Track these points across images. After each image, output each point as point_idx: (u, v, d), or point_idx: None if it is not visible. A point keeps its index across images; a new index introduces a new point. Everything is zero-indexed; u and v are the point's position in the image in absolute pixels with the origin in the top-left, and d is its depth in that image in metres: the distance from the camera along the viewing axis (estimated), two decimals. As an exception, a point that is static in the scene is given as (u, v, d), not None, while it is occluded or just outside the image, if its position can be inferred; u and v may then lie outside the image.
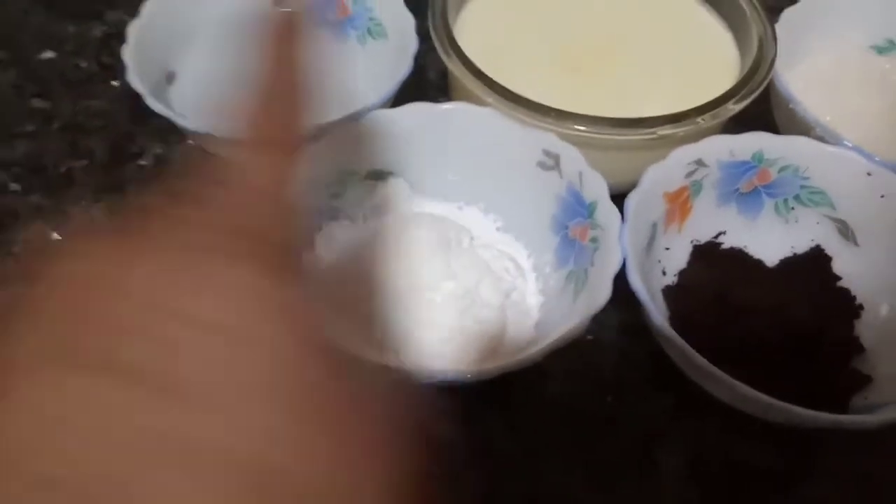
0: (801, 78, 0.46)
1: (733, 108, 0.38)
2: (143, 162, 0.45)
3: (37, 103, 0.48)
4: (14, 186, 0.44)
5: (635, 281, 0.33)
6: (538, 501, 0.34)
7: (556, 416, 0.36)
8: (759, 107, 0.42)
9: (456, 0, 0.44)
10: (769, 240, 0.40)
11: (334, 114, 0.38)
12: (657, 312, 0.32)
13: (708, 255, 0.40)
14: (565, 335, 0.31)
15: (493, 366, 0.30)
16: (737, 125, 0.41)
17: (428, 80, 0.50)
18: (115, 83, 0.49)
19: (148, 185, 0.44)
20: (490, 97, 0.38)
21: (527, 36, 0.45)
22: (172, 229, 0.17)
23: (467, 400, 0.37)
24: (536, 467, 0.35)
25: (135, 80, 0.40)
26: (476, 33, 0.44)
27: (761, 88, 0.39)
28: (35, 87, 0.49)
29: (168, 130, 0.46)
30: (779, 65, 0.42)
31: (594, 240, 0.36)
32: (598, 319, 0.39)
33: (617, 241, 0.34)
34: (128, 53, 0.41)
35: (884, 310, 0.37)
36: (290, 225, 0.19)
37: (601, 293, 0.32)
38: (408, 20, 0.44)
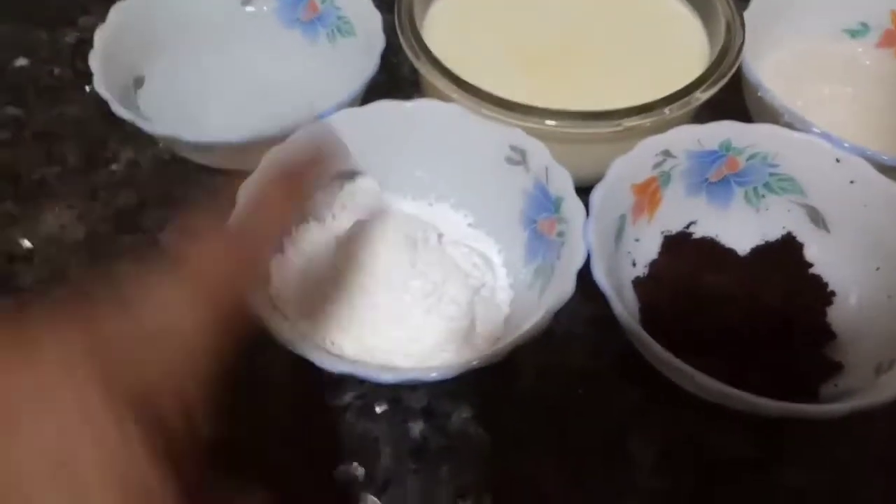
0: (771, 66, 0.46)
1: (700, 96, 0.38)
2: (114, 167, 0.45)
3: (10, 111, 0.48)
4: (-14, 195, 0.44)
5: (599, 275, 0.33)
6: (511, 494, 0.34)
7: (527, 409, 0.36)
8: (730, 96, 0.42)
9: (423, -2, 0.44)
10: (740, 229, 0.40)
11: (303, 113, 0.38)
12: (622, 306, 0.32)
13: (678, 245, 0.40)
14: (528, 331, 0.31)
15: (455, 364, 0.30)
16: (709, 115, 0.40)
17: (402, 77, 0.50)
18: (88, 89, 0.49)
19: (120, 190, 0.44)
20: (456, 94, 0.38)
21: (494, 33, 0.45)
22: None
23: (439, 396, 0.37)
24: (508, 460, 0.35)
25: (101, 88, 0.40)
26: (444, 31, 0.44)
27: (728, 76, 0.39)
28: (8, 95, 0.49)
29: (140, 135, 0.46)
30: (748, 53, 0.41)
31: (560, 234, 0.35)
32: (568, 313, 0.39)
33: (581, 236, 0.34)
34: (95, 60, 0.41)
35: (854, 296, 0.37)
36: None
37: (565, 288, 0.32)
38: (375, 18, 0.44)
